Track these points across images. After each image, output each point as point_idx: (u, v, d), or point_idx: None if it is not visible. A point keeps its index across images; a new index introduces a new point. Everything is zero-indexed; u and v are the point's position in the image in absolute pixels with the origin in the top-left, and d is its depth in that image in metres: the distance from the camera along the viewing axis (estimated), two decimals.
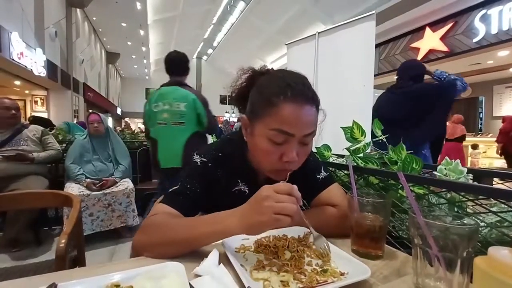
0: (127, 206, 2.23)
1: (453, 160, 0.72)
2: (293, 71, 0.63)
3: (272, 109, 0.55)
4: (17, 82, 6.71)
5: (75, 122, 7.95)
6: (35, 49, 5.93)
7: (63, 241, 0.78)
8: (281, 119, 0.54)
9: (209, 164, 0.67)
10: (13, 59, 5.00)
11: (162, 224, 0.55)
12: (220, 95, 21.45)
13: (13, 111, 2.08)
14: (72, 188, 2.08)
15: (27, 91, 8.02)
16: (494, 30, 4.27)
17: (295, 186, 0.48)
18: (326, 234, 0.60)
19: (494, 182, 0.77)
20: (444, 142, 2.09)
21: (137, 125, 18.33)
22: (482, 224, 0.56)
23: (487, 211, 0.56)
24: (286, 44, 2.16)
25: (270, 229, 0.49)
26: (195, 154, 0.69)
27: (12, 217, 1.86)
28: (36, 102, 8.34)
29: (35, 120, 3.38)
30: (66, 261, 0.76)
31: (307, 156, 0.74)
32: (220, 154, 0.69)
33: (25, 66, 5.43)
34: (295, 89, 0.55)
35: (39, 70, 6.03)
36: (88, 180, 2.18)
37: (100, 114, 2.38)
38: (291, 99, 0.54)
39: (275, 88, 0.56)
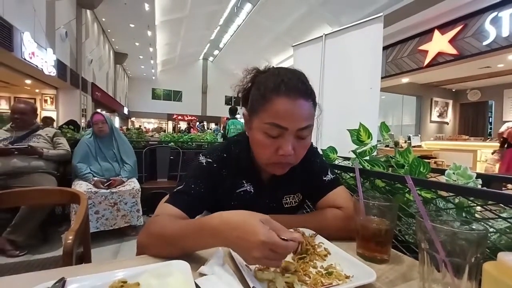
0: (132, 206, 2.24)
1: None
2: (291, 68, 0.64)
3: (267, 104, 0.57)
4: (28, 81, 6.86)
5: (82, 121, 8.08)
6: (46, 49, 6.06)
7: (70, 237, 0.79)
8: (274, 113, 0.56)
9: (214, 165, 0.67)
10: (24, 59, 5.12)
11: (160, 226, 0.55)
12: (226, 96, 21.52)
13: (35, 114, 2.34)
14: (81, 185, 2.11)
15: (37, 90, 8.19)
16: (505, 33, 4.20)
17: (296, 240, 0.43)
18: (331, 236, 0.60)
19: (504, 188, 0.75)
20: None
21: (143, 124, 18.49)
22: (491, 230, 0.55)
23: (497, 216, 0.55)
24: (293, 46, 2.16)
25: None
26: (200, 154, 0.70)
27: (24, 217, 1.86)
28: (45, 100, 8.51)
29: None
30: (73, 257, 0.77)
31: (316, 159, 0.75)
32: (225, 155, 0.69)
33: (36, 65, 5.55)
34: (288, 84, 0.57)
35: (49, 69, 6.15)
36: (96, 178, 2.20)
37: (104, 114, 2.39)
38: (284, 93, 0.56)
39: (270, 84, 0.58)
